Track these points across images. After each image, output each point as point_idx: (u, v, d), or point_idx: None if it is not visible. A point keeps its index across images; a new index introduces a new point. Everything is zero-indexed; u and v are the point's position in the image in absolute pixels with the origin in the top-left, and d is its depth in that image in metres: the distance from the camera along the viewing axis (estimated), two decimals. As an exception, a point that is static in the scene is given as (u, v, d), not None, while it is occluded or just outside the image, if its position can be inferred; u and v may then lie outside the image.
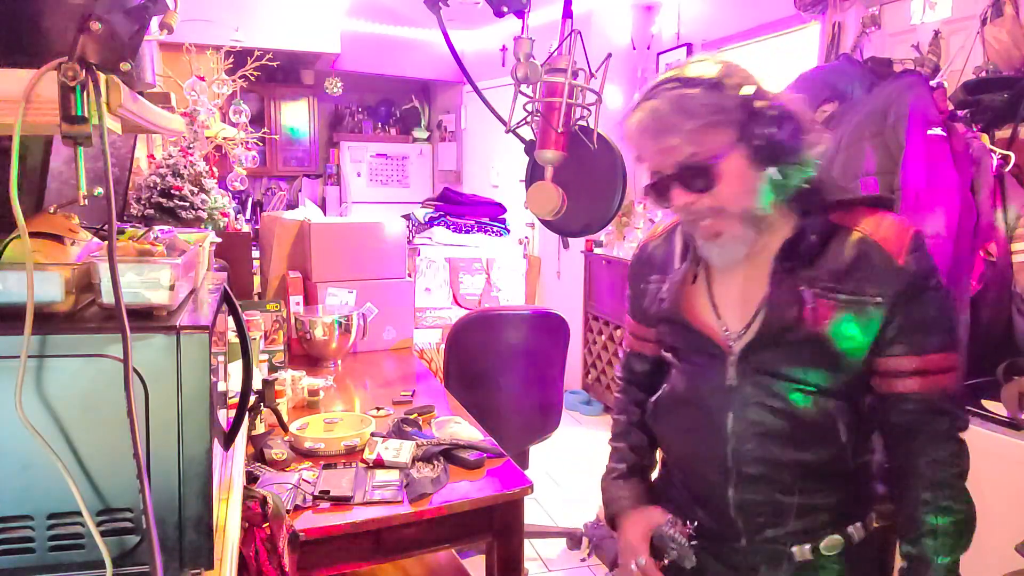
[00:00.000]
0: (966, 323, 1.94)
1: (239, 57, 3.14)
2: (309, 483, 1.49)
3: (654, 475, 1.32)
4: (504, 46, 5.14)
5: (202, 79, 2.76)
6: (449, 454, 1.65)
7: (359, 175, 6.44)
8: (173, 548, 0.73)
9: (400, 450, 1.62)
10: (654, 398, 1.22)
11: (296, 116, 6.29)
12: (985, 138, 2.02)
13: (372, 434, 1.73)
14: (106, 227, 0.70)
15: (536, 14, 0.98)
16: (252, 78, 3.11)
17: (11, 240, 0.74)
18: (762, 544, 1.08)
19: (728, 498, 1.08)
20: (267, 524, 1.20)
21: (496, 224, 3.62)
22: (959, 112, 2.14)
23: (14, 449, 0.68)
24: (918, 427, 1.03)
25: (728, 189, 1.00)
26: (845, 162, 2.11)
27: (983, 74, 2.23)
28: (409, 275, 2.93)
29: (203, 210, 2.48)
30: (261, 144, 3.66)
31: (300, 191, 6.42)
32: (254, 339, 2.14)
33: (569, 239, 1.10)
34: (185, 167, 2.49)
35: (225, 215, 2.61)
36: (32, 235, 0.72)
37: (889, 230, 1.02)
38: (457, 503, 1.47)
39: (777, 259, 1.04)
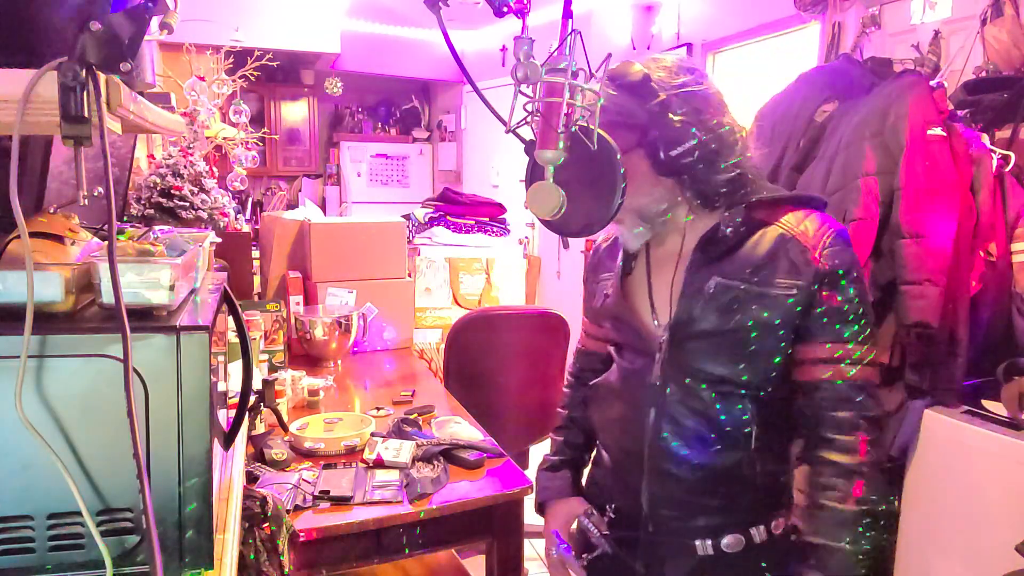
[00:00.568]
0: (966, 323, 1.94)
1: (239, 57, 3.14)
2: (309, 483, 1.49)
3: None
4: (504, 46, 5.14)
5: (202, 79, 2.76)
6: (449, 454, 1.65)
7: (359, 175, 6.44)
8: (173, 548, 0.73)
9: (400, 450, 1.62)
10: (592, 382, 1.28)
11: (296, 116, 6.29)
12: (985, 138, 2.02)
13: (372, 434, 1.73)
14: (106, 227, 0.70)
15: (536, 14, 0.98)
16: (252, 78, 3.11)
17: (11, 240, 0.74)
18: (668, 537, 1.12)
19: (642, 490, 1.12)
20: (267, 524, 1.20)
21: (496, 224, 3.61)
22: (959, 112, 2.14)
23: (14, 449, 0.68)
24: (822, 415, 1.05)
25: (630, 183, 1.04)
26: (845, 162, 2.11)
27: (983, 74, 2.23)
28: (409, 275, 2.93)
29: (203, 210, 2.48)
30: (261, 144, 3.66)
31: (300, 191, 6.42)
32: (254, 339, 2.14)
33: (569, 239, 1.10)
34: (185, 167, 2.49)
35: (225, 215, 2.61)
36: (32, 235, 0.72)
37: (809, 226, 1.05)
38: (457, 503, 1.47)
39: (693, 252, 1.08)
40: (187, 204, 2.45)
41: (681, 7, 4.17)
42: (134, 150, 2.21)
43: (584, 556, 1.19)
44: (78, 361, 0.69)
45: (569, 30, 0.92)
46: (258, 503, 1.22)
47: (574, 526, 1.25)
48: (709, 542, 1.10)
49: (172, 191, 2.43)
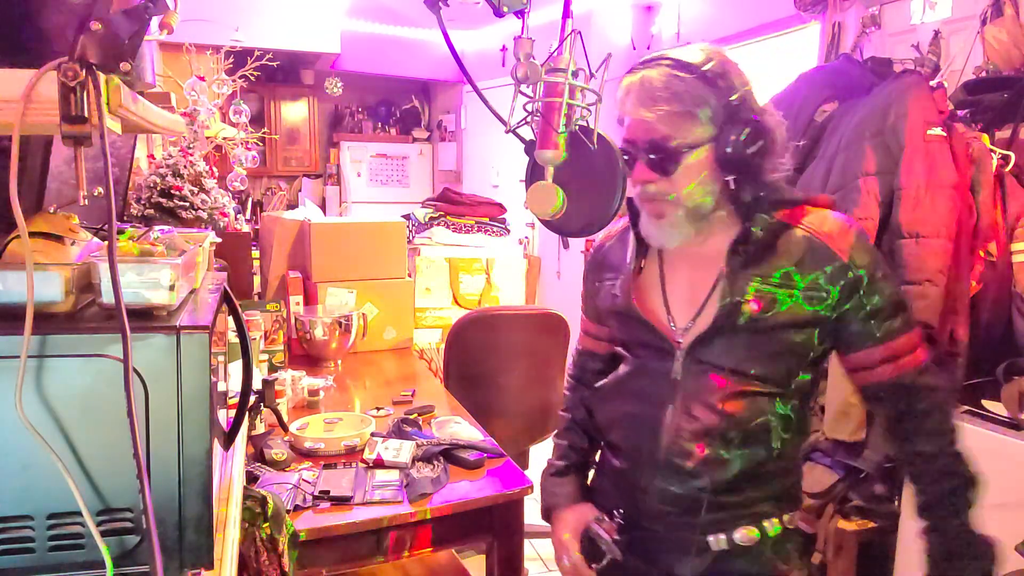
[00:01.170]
0: (966, 323, 1.94)
1: (239, 57, 3.14)
2: (309, 483, 1.49)
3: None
4: (504, 46, 5.13)
5: (202, 79, 2.76)
6: (449, 454, 1.65)
7: (359, 175, 6.44)
8: (173, 548, 0.73)
9: (400, 450, 1.62)
10: (599, 383, 1.24)
11: (296, 116, 6.29)
12: (985, 138, 2.02)
13: (372, 434, 1.73)
14: (106, 227, 0.70)
15: (536, 14, 0.98)
16: (252, 78, 3.11)
17: (11, 240, 0.74)
18: (680, 534, 1.11)
19: (655, 488, 1.10)
20: (267, 524, 1.20)
21: (496, 224, 3.61)
22: (959, 112, 2.14)
23: (14, 449, 0.68)
24: (899, 410, 1.08)
25: (685, 181, 1.04)
26: (845, 162, 2.11)
27: (983, 74, 2.23)
28: (409, 275, 2.93)
29: (203, 210, 2.48)
30: (261, 144, 3.66)
31: (300, 191, 6.42)
32: (254, 339, 2.14)
33: (569, 239, 1.10)
34: (185, 167, 2.49)
35: (225, 215, 2.62)
36: (32, 235, 0.72)
37: (833, 227, 1.06)
38: (457, 503, 1.47)
39: (728, 255, 1.07)
40: (187, 204, 2.45)
41: (681, 7, 4.17)
42: (134, 150, 2.21)
43: (594, 565, 1.16)
44: (78, 361, 0.69)
45: (569, 30, 0.92)
46: (258, 503, 1.22)
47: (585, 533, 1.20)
48: (723, 536, 1.09)
49: (172, 191, 2.43)
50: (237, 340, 1.02)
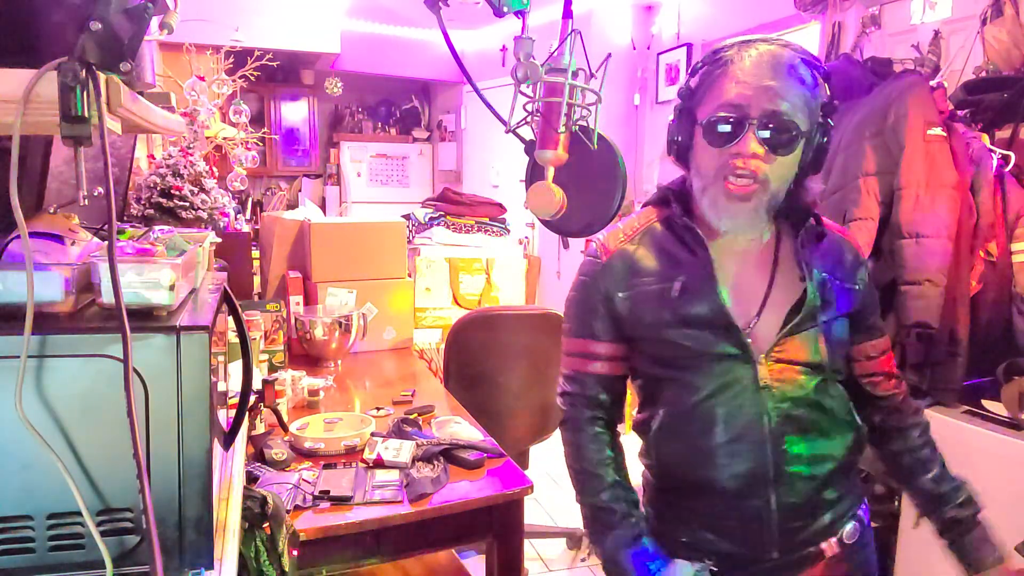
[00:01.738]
0: (966, 323, 1.94)
1: (239, 57, 3.14)
2: (309, 483, 1.49)
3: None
4: (504, 46, 5.14)
5: (202, 79, 2.76)
6: (449, 454, 1.65)
7: (359, 175, 6.44)
8: (173, 548, 0.73)
9: (400, 450, 1.62)
10: (655, 425, 1.11)
11: (296, 116, 6.29)
12: (985, 138, 2.02)
13: (372, 434, 1.73)
14: (106, 227, 0.70)
15: (536, 14, 0.98)
16: (252, 78, 3.11)
17: (11, 240, 0.74)
18: (797, 551, 1.08)
19: (771, 507, 1.04)
20: (267, 524, 1.20)
21: (496, 224, 3.61)
22: (959, 112, 2.14)
23: (14, 449, 0.68)
24: (890, 396, 1.20)
25: (783, 167, 1.04)
26: (845, 162, 2.11)
27: (983, 74, 2.23)
28: (409, 275, 2.93)
29: (203, 210, 2.48)
30: (261, 144, 3.66)
31: (300, 191, 6.42)
32: (254, 339, 2.14)
33: (569, 239, 1.10)
34: (185, 167, 2.49)
35: (225, 215, 2.61)
36: (32, 235, 0.72)
37: (842, 231, 1.19)
38: (457, 503, 1.47)
39: (803, 251, 1.10)
40: (187, 204, 2.45)
41: (681, 7, 4.17)
42: (134, 150, 2.21)
43: None
44: (78, 361, 0.69)
45: (569, 30, 0.92)
46: (258, 503, 1.22)
47: None
48: (834, 540, 1.10)
49: (172, 191, 2.43)
50: (237, 340, 1.02)
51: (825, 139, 1.06)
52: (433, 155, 6.69)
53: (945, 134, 1.96)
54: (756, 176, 1.01)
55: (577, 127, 0.94)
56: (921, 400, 1.90)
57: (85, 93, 0.61)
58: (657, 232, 1.12)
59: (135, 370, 0.68)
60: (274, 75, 5.88)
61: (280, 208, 6.08)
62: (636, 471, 1.19)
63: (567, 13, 0.95)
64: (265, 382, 1.72)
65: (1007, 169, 1.98)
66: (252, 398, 1.29)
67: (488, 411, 2.35)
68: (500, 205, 3.67)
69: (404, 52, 5.80)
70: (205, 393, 0.72)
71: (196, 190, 2.49)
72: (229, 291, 0.99)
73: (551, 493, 3.31)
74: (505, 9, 0.91)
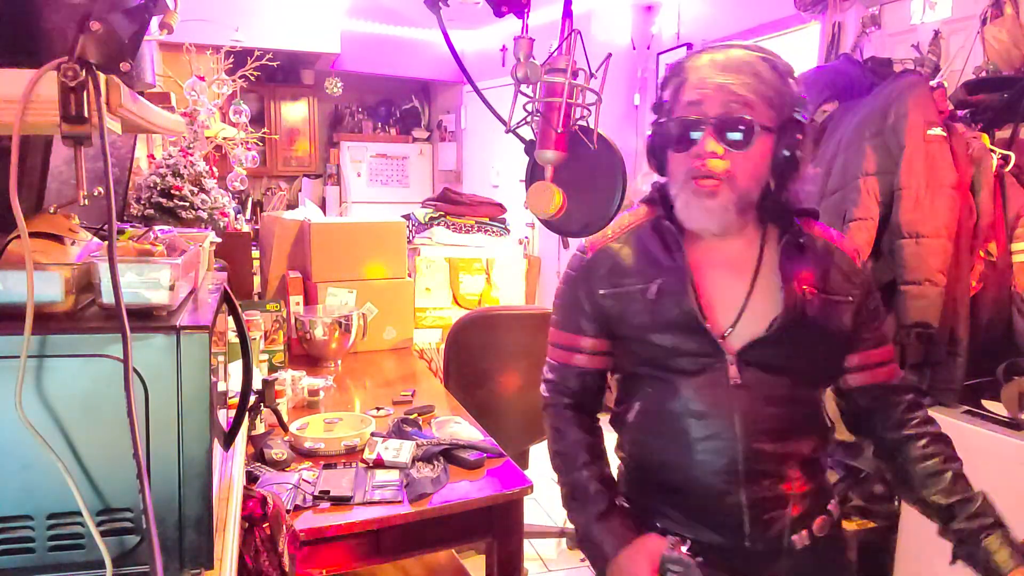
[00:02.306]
0: (966, 323, 1.94)
1: (239, 57, 3.14)
2: (309, 483, 1.49)
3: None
4: (504, 46, 5.13)
5: (202, 79, 2.76)
6: (449, 454, 1.65)
7: (359, 175, 6.44)
8: (173, 548, 0.73)
9: (400, 450, 1.62)
10: (631, 416, 1.16)
11: (296, 116, 6.29)
12: (985, 138, 2.02)
13: (372, 434, 1.73)
14: (106, 227, 0.70)
15: (536, 14, 0.98)
16: (252, 78, 3.11)
17: (11, 240, 0.74)
18: (769, 543, 1.09)
19: (739, 501, 1.07)
20: (267, 524, 1.20)
21: (496, 224, 3.61)
22: (959, 112, 2.14)
23: (14, 449, 0.68)
24: (893, 406, 1.16)
25: (747, 162, 1.04)
26: (845, 162, 2.11)
27: (983, 74, 2.23)
28: (409, 275, 2.93)
29: (203, 210, 2.48)
30: (261, 144, 3.66)
31: (300, 191, 6.42)
32: (254, 339, 2.14)
33: (569, 239, 1.10)
34: (185, 167, 2.49)
35: (225, 215, 2.62)
36: (32, 235, 0.72)
37: (839, 236, 1.16)
38: (457, 503, 1.47)
39: (780, 260, 1.09)
40: (187, 204, 2.45)
41: (681, 7, 4.17)
42: (134, 150, 2.21)
43: None
44: (78, 361, 0.69)
45: (569, 30, 0.92)
46: (258, 503, 1.22)
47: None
48: (805, 532, 1.10)
49: (172, 191, 2.43)
50: (237, 340, 1.02)
51: (796, 142, 1.05)
52: (433, 155, 6.69)
53: (945, 134, 1.96)
54: (718, 175, 1.03)
55: (577, 127, 0.94)
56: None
57: (85, 93, 0.61)
58: (643, 232, 1.15)
59: (135, 370, 0.68)
60: (274, 75, 5.88)
61: (280, 208, 6.08)
62: (615, 465, 1.24)
63: (567, 13, 0.95)
64: (265, 382, 1.72)
65: (1007, 169, 1.98)
66: (252, 398, 1.29)
67: (488, 411, 2.35)
68: (500, 205, 3.67)
69: (404, 52, 5.80)
70: (205, 393, 0.72)
71: (196, 190, 2.49)
72: (229, 291, 0.99)
73: (551, 493, 3.30)
74: (505, 9, 0.91)
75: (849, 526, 2.08)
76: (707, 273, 1.11)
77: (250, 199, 6.06)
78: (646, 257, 1.13)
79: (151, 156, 2.93)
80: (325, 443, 1.67)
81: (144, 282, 0.72)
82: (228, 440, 0.98)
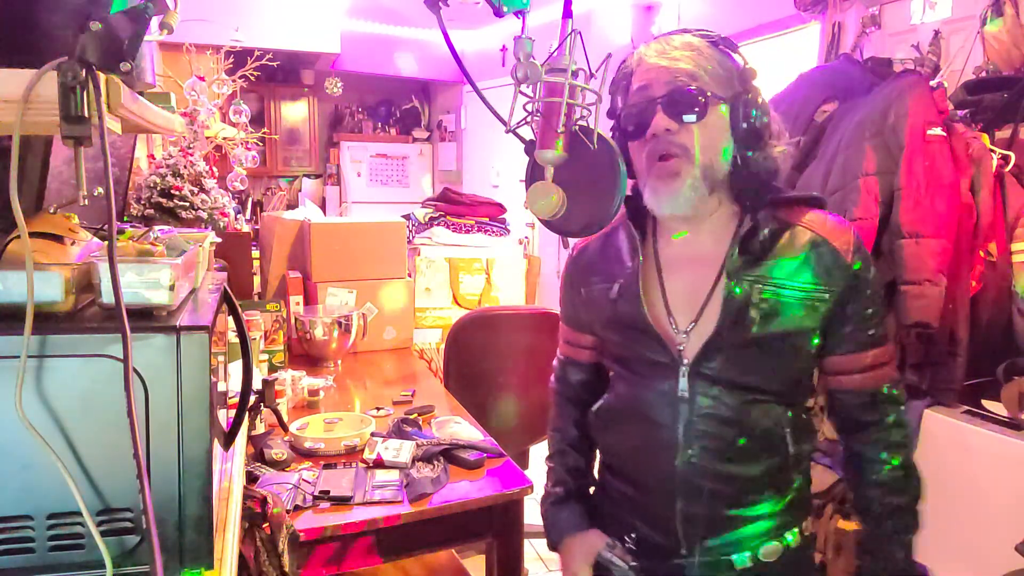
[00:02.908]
0: (966, 323, 1.94)
1: (239, 57, 3.14)
2: (309, 483, 1.49)
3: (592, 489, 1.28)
4: (504, 46, 5.13)
5: (202, 79, 2.76)
6: (449, 454, 1.65)
7: (359, 175, 6.44)
8: (173, 548, 0.73)
9: (400, 450, 1.62)
10: (596, 407, 1.18)
11: (296, 116, 6.29)
12: (985, 138, 2.02)
13: (372, 434, 1.73)
14: (106, 227, 0.70)
15: (536, 14, 0.98)
16: (252, 78, 3.11)
17: (11, 240, 0.74)
18: (705, 556, 1.07)
19: (675, 511, 1.06)
20: (267, 524, 1.20)
21: (496, 224, 3.61)
22: (959, 112, 2.14)
23: (14, 449, 0.68)
24: (869, 418, 1.08)
25: (704, 133, 1.02)
26: (845, 162, 2.11)
27: (983, 74, 2.23)
28: (409, 275, 2.93)
29: (203, 210, 2.48)
30: (261, 144, 3.66)
31: (300, 191, 6.42)
32: (254, 339, 2.14)
33: (569, 239, 1.10)
34: (185, 167, 2.49)
35: (225, 215, 2.61)
36: (32, 235, 0.72)
37: (834, 228, 1.05)
38: (457, 503, 1.47)
39: (738, 255, 1.03)
40: (187, 204, 2.45)
41: (681, 7, 4.17)
42: (134, 150, 2.21)
43: None
44: (78, 361, 0.69)
45: (569, 30, 0.92)
46: (258, 503, 1.22)
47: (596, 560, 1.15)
48: (747, 554, 1.06)
49: (172, 191, 2.43)
50: (237, 340, 1.02)
51: (752, 109, 1.02)
52: (433, 155, 6.69)
53: (945, 134, 1.95)
54: (674, 151, 1.02)
55: (577, 127, 0.93)
56: (920, 400, 1.90)
57: (85, 93, 0.61)
58: (616, 231, 1.17)
59: (135, 370, 0.68)
60: (274, 75, 5.89)
61: (280, 208, 6.08)
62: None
63: (567, 13, 0.95)
64: (265, 382, 1.72)
65: (1007, 169, 1.98)
66: (252, 398, 1.29)
67: (488, 411, 2.35)
68: (500, 205, 3.67)
69: (404, 52, 5.80)
70: (205, 393, 0.72)
71: (196, 190, 2.49)
72: (229, 291, 0.99)
73: (551, 493, 3.30)
74: (505, 9, 0.91)
75: (849, 526, 2.08)
76: (676, 269, 1.09)
77: (250, 199, 6.06)
78: (613, 256, 1.15)
79: (151, 156, 2.93)
80: (325, 443, 1.67)
81: (144, 282, 0.72)
82: (228, 440, 0.98)
